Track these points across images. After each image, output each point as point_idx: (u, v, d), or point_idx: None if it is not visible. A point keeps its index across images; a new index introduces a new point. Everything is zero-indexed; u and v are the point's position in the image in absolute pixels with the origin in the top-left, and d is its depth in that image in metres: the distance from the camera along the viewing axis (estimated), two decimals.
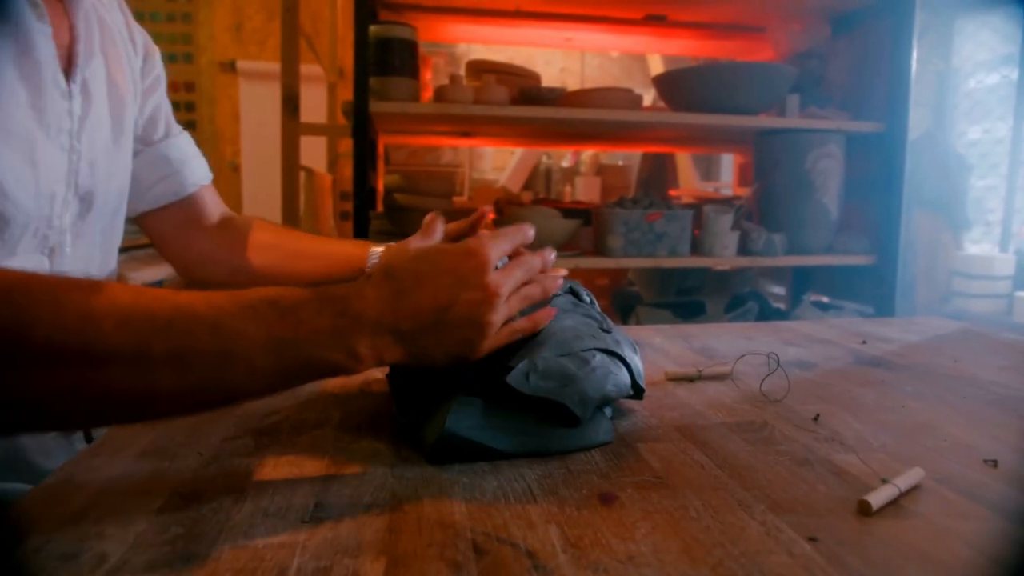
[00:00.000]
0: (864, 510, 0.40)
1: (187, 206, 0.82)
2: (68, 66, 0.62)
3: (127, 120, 0.71)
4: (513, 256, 0.54)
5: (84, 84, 0.63)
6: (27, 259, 0.59)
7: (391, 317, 0.44)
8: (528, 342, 0.52)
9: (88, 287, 0.39)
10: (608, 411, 0.56)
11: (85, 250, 0.67)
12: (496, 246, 0.49)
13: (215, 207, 0.85)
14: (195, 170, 0.82)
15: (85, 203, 0.65)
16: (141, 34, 0.78)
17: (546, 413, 0.50)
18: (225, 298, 0.42)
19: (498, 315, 0.48)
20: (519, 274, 0.50)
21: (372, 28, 1.60)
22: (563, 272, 0.57)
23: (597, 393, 0.52)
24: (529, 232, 0.54)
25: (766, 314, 2.04)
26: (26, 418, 0.38)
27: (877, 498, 0.40)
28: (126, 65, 0.72)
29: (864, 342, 0.91)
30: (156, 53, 0.79)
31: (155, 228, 0.82)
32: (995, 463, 0.49)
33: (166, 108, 0.81)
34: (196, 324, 0.40)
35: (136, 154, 0.76)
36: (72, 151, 0.62)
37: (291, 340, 0.41)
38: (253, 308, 0.41)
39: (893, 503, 0.42)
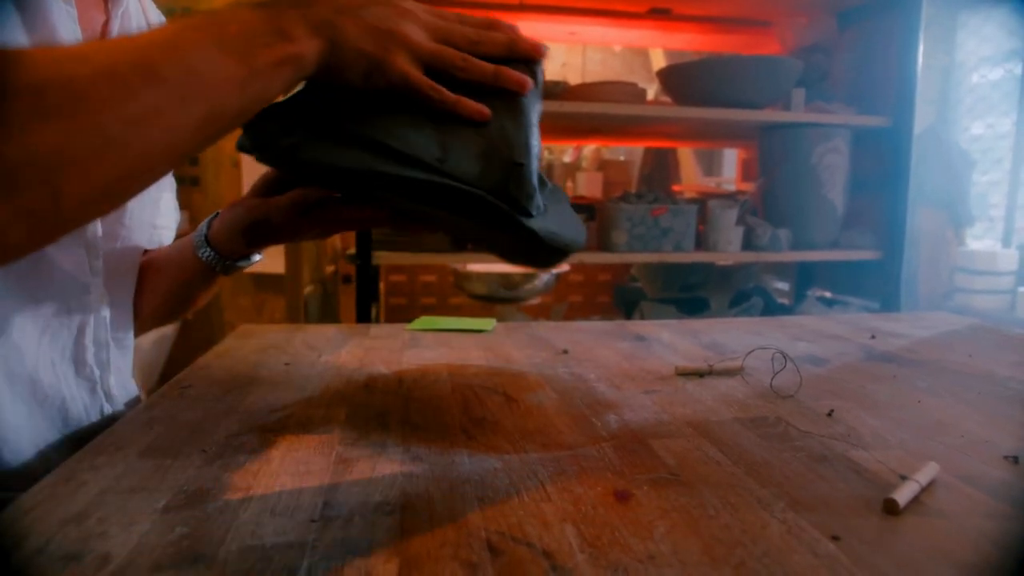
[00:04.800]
0: (891, 509, 0.39)
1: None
2: None
3: None
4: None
5: None
6: (64, 251, 0.59)
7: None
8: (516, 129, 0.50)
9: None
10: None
11: (134, 240, 0.67)
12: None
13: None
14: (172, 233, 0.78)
15: None
16: None
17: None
18: (166, 27, 0.43)
19: (412, 29, 0.48)
20: (454, 18, 0.51)
21: None
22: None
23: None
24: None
25: (770, 310, 2.03)
26: (45, 178, 0.36)
27: (903, 496, 0.39)
28: None
29: (873, 337, 0.90)
30: None
31: None
32: (1015, 459, 0.48)
33: None
34: (152, 44, 0.40)
35: None
36: None
37: (232, 37, 0.42)
38: (192, 22, 0.42)
39: (914, 500, 0.41)
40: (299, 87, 0.51)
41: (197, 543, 0.36)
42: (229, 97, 0.42)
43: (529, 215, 0.49)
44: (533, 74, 0.52)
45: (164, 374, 2.26)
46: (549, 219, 0.52)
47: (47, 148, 0.34)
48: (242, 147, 0.52)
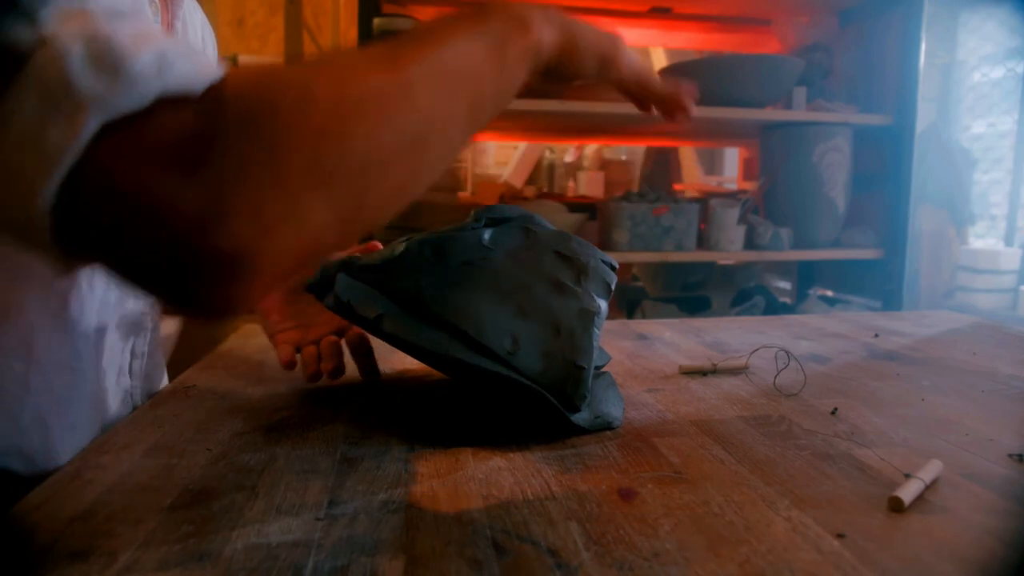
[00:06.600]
0: (896, 507, 0.39)
1: None
2: None
3: None
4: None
5: None
6: None
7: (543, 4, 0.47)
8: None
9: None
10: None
11: None
12: None
13: None
14: None
15: None
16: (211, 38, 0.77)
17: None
18: (426, 24, 0.43)
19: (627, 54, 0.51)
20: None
21: (376, 21, 1.59)
22: None
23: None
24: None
25: (772, 309, 2.03)
26: (355, 179, 0.36)
27: (908, 494, 0.39)
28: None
29: (876, 336, 0.90)
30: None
31: None
32: (1020, 458, 0.48)
33: None
34: (423, 43, 0.40)
35: None
36: None
37: (483, 28, 0.42)
38: (442, 22, 0.42)
39: (919, 498, 0.41)
40: (387, 255, 0.53)
41: (203, 541, 0.36)
42: (487, 88, 0.43)
43: (577, 411, 0.52)
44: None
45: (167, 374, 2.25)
46: (591, 405, 0.54)
47: (358, 150, 0.35)
48: (329, 307, 0.53)
